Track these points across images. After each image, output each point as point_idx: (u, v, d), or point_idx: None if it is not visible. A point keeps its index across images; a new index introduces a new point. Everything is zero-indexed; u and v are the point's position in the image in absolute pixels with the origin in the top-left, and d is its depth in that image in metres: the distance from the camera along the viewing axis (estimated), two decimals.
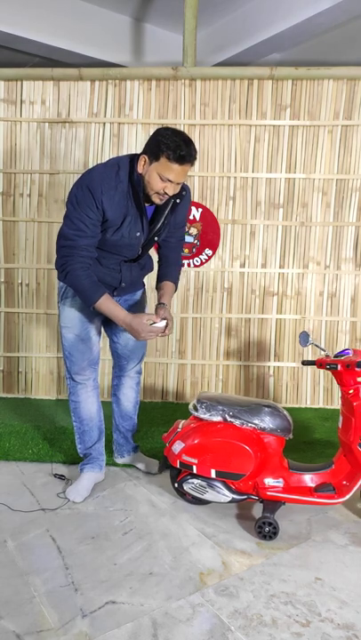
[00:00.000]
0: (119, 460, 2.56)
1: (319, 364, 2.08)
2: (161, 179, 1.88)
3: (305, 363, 2.21)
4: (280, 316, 3.60)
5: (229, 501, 2.04)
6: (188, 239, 3.52)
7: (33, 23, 4.52)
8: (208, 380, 3.67)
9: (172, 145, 1.83)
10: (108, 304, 1.99)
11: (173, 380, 3.67)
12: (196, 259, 3.55)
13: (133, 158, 1.98)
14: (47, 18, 4.57)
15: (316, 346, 2.21)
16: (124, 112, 3.50)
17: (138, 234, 2.04)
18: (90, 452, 2.34)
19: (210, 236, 3.54)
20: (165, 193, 1.92)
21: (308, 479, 2.06)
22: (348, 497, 1.97)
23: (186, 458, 2.05)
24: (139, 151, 3.46)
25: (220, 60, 5.10)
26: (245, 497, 2.06)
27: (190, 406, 2.15)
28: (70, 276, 1.97)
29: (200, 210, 3.51)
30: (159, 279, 2.29)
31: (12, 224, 3.60)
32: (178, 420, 2.28)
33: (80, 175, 2.02)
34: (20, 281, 3.65)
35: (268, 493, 2.02)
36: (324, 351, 2.19)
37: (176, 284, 2.30)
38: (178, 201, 2.05)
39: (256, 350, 3.62)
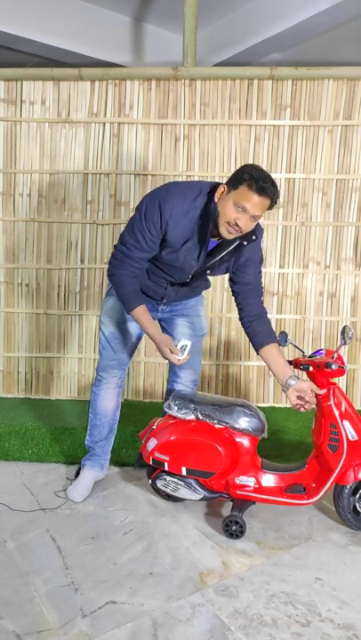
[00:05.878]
0: None
1: (295, 364, 2.10)
2: (236, 206, 1.79)
3: None
4: (280, 316, 3.60)
5: (201, 499, 2.06)
6: None
7: (33, 23, 4.53)
8: (208, 379, 3.66)
9: (256, 175, 1.77)
10: (141, 315, 2.01)
11: None
12: None
13: (216, 188, 1.90)
14: (47, 18, 4.58)
15: (295, 346, 2.22)
16: (124, 112, 3.50)
17: (193, 262, 1.99)
18: (94, 447, 2.34)
19: None
20: (236, 224, 1.81)
21: (280, 479, 2.06)
22: (317, 498, 1.98)
23: (158, 455, 2.07)
24: (139, 151, 3.51)
25: (220, 60, 5.11)
26: (218, 495, 2.08)
27: (165, 404, 2.17)
28: (116, 279, 2.01)
29: None
30: (257, 343, 2.09)
31: (11, 224, 3.60)
32: (155, 417, 2.29)
33: (159, 186, 1.98)
34: (19, 281, 3.65)
35: (238, 492, 2.03)
36: (302, 351, 2.20)
37: (278, 342, 2.10)
38: (245, 243, 1.96)
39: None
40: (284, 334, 2.17)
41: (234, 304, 3.70)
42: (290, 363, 2.16)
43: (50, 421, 3.12)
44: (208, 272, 2.06)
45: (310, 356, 2.13)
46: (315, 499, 1.98)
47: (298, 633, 1.51)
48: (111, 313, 2.23)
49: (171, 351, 1.99)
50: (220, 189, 1.85)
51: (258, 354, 2.12)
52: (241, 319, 2.15)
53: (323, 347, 3.56)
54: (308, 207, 3.52)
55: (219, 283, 3.57)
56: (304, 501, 2.00)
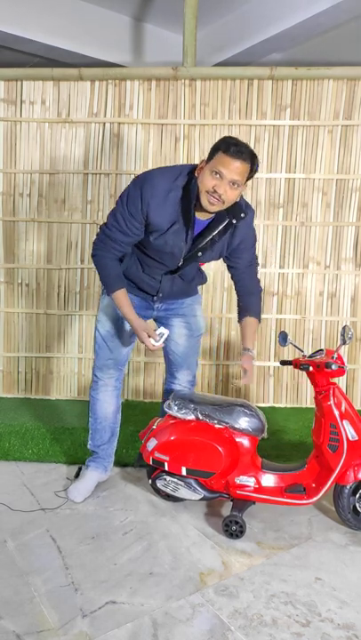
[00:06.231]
0: None
1: (295, 364, 2.10)
2: (212, 173, 1.78)
3: (283, 363, 2.23)
4: (280, 316, 3.60)
5: (201, 499, 2.06)
6: None
7: (33, 23, 4.53)
8: (208, 380, 3.67)
9: (230, 141, 1.79)
10: (122, 299, 2.03)
11: None
12: None
13: (194, 170, 1.92)
14: (47, 18, 4.57)
15: (295, 346, 2.22)
16: (124, 112, 3.50)
17: (181, 244, 1.97)
18: (97, 450, 2.34)
19: None
20: (215, 191, 1.78)
21: (280, 479, 2.06)
22: (317, 498, 1.98)
23: (158, 455, 2.07)
24: (138, 151, 3.51)
25: (220, 60, 5.10)
26: (218, 495, 2.08)
27: (165, 405, 2.16)
28: (98, 260, 2.02)
29: None
30: (240, 314, 2.21)
31: (11, 224, 3.60)
32: (155, 417, 2.29)
33: (140, 172, 2.00)
34: (19, 281, 3.65)
35: (238, 492, 2.03)
36: (302, 351, 2.20)
37: (258, 317, 2.20)
38: (234, 221, 1.94)
39: (256, 350, 3.62)
40: (284, 334, 2.17)
41: (234, 304, 3.71)
42: (290, 363, 2.16)
43: (50, 421, 3.12)
44: (200, 254, 2.02)
45: (311, 356, 2.13)
46: (315, 499, 1.98)
47: (298, 633, 1.51)
48: (108, 310, 2.22)
49: (148, 335, 2.00)
50: (200, 165, 1.87)
51: (238, 322, 2.22)
52: (235, 289, 2.23)
53: (323, 347, 3.56)
54: (308, 207, 3.52)
55: (219, 283, 3.57)
56: (304, 501, 2.00)
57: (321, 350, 2.15)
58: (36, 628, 1.50)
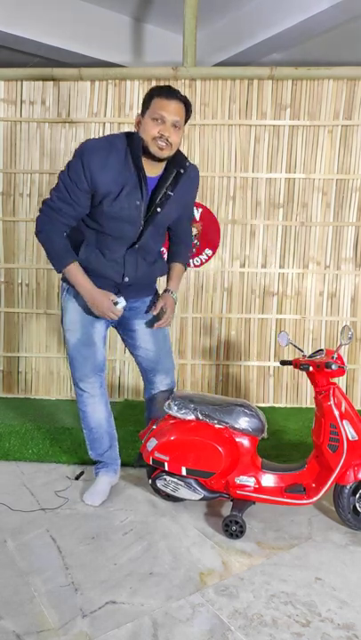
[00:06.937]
0: None
1: (295, 364, 2.10)
2: (154, 120, 1.84)
3: (283, 362, 2.23)
4: (280, 316, 3.60)
5: (201, 499, 2.06)
6: None
7: (33, 23, 4.52)
8: (208, 380, 3.67)
9: (160, 86, 1.88)
10: (77, 272, 1.99)
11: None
12: (196, 259, 3.55)
13: (130, 134, 1.96)
14: (47, 18, 4.57)
15: (295, 346, 2.22)
16: (124, 112, 3.50)
17: (137, 202, 1.96)
18: (101, 458, 2.32)
19: (210, 235, 3.54)
20: (162, 135, 1.84)
21: (280, 479, 2.06)
22: (317, 498, 1.98)
23: (158, 455, 2.07)
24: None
25: (220, 60, 5.10)
26: (218, 495, 2.08)
27: (165, 405, 2.16)
28: (44, 236, 1.97)
29: (200, 210, 3.51)
30: (169, 259, 2.33)
31: (11, 224, 3.60)
32: (155, 417, 2.28)
33: None
34: (19, 281, 3.65)
35: (238, 492, 2.03)
36: (302, 351, 2.20)
37: (185, 264, 2.34)
38: (182, 170, 1.98)
39: (256, 350, 3.62)
40: (284, 334, 2.17)
41: (234, 304, 3.71)
42: (290, 363, 2.16)
43: (50, 421, 3.12)
44: (159, 210, 2.01)
45: (311, 356, 2.13)
46: (315, 499, 1.98)
47: (298, 633, 1.51)
48: (73, 317, 2.14)
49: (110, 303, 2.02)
50: (137, 120, 1.93)
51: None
52: (169, 237, 2.33)
53: (323, 347, 3.56)
54: (308, 207, 3.52)
55: (219, 283, 3.57)
56: (304, 501, 2.00)
57: (321, 350, 2.15)
58: (36, 628, 1.50)
